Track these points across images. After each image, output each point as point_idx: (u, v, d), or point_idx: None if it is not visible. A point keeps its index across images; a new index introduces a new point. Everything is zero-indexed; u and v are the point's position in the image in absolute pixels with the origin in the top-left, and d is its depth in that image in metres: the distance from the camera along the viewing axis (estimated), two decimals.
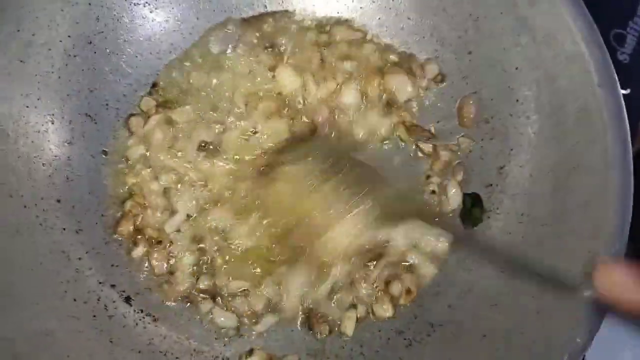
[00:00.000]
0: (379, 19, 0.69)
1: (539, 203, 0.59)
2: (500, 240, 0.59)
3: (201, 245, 0.59)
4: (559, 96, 0.59)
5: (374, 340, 0.58)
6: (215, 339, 0.57)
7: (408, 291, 0.59)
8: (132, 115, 0.62)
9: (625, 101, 0.77)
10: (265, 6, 0.67)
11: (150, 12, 0.64)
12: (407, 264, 0.60)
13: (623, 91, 0.77)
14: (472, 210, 0.63)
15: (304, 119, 0.64)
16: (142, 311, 0.56)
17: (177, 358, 0.54)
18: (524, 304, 0.54)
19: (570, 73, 0.58)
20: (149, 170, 0.60)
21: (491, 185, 0.63)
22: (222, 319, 0.57)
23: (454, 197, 0.63)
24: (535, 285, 0.50)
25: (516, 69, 0.62)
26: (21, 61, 0.57)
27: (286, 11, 0.67)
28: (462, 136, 0.65)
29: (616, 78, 0.56)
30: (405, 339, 0.58)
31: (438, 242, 0.60)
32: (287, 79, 0.64)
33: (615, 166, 0.54)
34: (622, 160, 0.54)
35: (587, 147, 0.56)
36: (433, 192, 0.63)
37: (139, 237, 0.58)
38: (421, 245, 0.60)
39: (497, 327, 0.54)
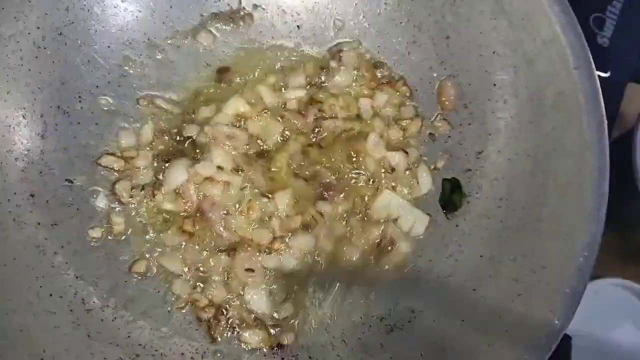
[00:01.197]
0: (356, 4, 0.68)
1: (518, 187, 0.59)
2: (479, 225, 0.59)
3: None
4: (535, 80, 0.59)
5: (356, 327, 0.58)
6: (196, 330, 0.56)
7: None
8: None
9: (605, 84, 0.77)
10: None
11: (122, 1, 0.62)
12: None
13: (603, 74, 0.78)
14: (451, 196, 0.63)
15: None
16: (120, 304, 0.56)
17: (156, 351, 0.54)
18: (504, 287, 0.54)
19: (546, 56, 0.58)
20: None
21: (470, 170, 0.63)
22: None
23: (424, 182, 0.63)
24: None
25: (493, 52, 0.62)
26: None
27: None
28: (441, 118, 0.65)
29: (592, 61, 0.56)
30: (386, 325, 0.58)
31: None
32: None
33: (592, 148, 0.54)
34: (598, 142, 0.54)
35: (564, 130, 0.56)
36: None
37: None
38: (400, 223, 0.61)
39: (476, 311, 0.54)
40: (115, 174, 0.60)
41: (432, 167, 0.64)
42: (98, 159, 0.60)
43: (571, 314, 0.49)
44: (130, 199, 0.59)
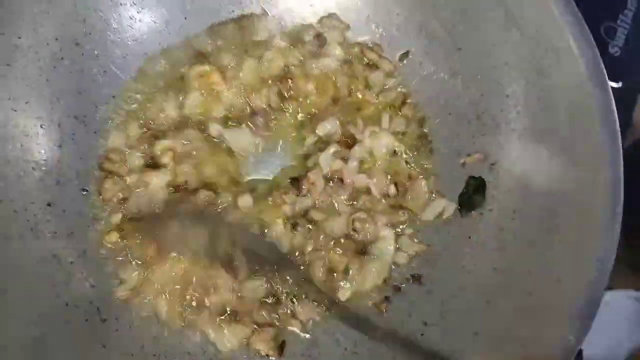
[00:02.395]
0: (368, 16, 0.68)
1: (531, 199, 0.59)
2: (493, 237, 0.59)
3: None
4: (548, 91, 0.59)
5: (368, 339, 0.58)
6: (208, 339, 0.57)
7: None
8: None
9: (617, 94, 0.76)
10: (252, 2, 0.67)
11: (137, 12, 0.63)
12: None
13: (615, 84, 0.78)
14: (473, 196, 0.62)
15: None
16: (136, 315, 0.56)
17: None
18: (518, 302, 0.54)
19: (559, 68, 0.58)
20: None
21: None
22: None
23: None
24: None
25: (505, 64, 0.62)
26: (8, 65, 0.56)
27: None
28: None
29: (605, 72, 0.56)
30: (399, 337, 0.57)
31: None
32: None
33: (605, 160, 0.54)
34: (611, 154, 0.54)
35: (577, 141, 0.56)
36: None
37: None
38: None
39: (489, 326, 0.54)
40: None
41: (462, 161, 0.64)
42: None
43: (586, 329, 0.49)
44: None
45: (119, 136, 0.61)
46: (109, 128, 0.61)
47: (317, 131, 0.64)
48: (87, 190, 0.59)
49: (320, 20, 0.68)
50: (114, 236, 0.58)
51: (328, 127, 0.64)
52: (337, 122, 0.64)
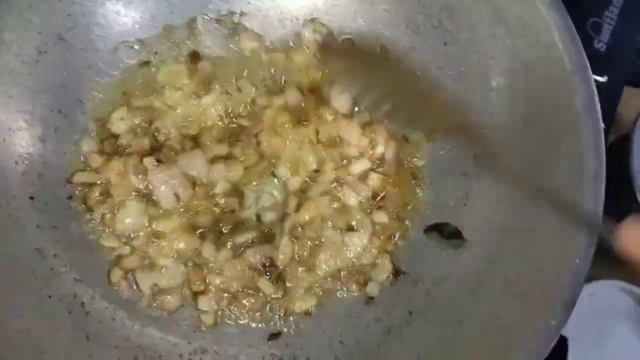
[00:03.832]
0: (355, 11, 0.69)
1: (514, 191, 0.59)
2: (477, 228, 0.60)
3: None
4: (533, 85, 0.60)
5: (354, 328, 0.58)
6: (194, 331, 0.57)
7: None
8: None
9: (602, 89, 0.77)
10: None
11: (123, 7, 0.63)
12: None
13: (600, 79, 0.78)
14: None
15: None
16: (119, 306, 0.56)
17: (155, 352, 0.54)
18: (502, 289, 0.55)
19: (543, 62, 0.58)
20: None
21: (467, 173, 0.63)
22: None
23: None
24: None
25: (491, 58, 0.63)
26: None
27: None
28: None
29: (589, 67, 0.57)
30: (384, 326, 0.58)
31: None
32: None
33: (588, 153, 0.54)
34: (594, 147, 0.54)
35: (560, 134, 0.57)
36: None
37: None
38: None
39: (473, 312, 0.54)
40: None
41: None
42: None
43: (567, 316, 0.49)
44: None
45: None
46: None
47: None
48: (70, 184, 0.59)
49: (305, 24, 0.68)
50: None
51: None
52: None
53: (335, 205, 0.61)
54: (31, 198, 0.57)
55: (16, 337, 0.50)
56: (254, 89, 0.65)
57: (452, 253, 0.60)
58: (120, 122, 0.61)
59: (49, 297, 0.53)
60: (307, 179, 0.62)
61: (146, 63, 0.64)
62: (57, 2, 0.59)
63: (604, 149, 0.54)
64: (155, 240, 0.58)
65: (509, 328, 0.50)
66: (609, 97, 0.77)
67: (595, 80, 0.76)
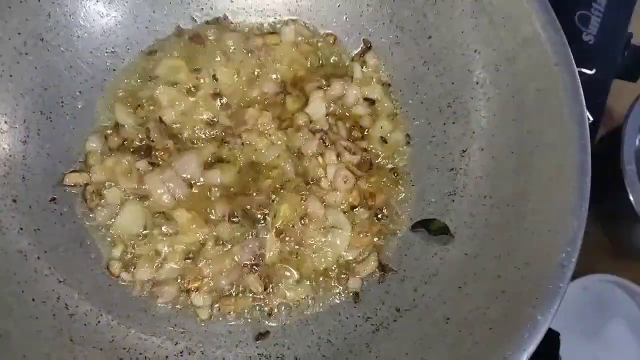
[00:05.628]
0: (339, 6, 0.68)
1: (502, 184, 0.59)
2: (464, 223, 0.59)
3: None
4: (517, 77, 0.59)
5: (342, 327, 0.58)
6: (181, 332, 0.56)
7: None
8: None
9: (590, 81, 0.76)
10: None
11: (104, 6, 0.63)
12: None
13: (588, 71, 0.78)
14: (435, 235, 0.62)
15: None
16: (103, 308, 0.55)
17: (140, 354, 0.54)
18: (489, 284, 0.54)
19: (527, 54, 0.58)
20: None
21: (454, 169, 0.63)
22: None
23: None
24: None
25: (475, 51, 0.62)
26: None
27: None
28: None
29: (572, 57, 0.57)
30: (372, 324, 0.57)
31: None
32: None
33: (573, 144, 0.54)
34: (579, 137, 0.54)
35: (545, 126, 0.56)
36: None
37: None
38: None
39: (461, 309, 0.54)
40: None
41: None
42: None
43: (554, 310, 0.49)
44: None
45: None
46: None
47: None
48: (53, 186, 0.59)
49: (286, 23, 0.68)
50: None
51: None
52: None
53: (316, 205, 0.61)
54: (14, 201, 0.56)
55: None
56: (236, 77, 0.65)
57: (440, 249, 0.59)
58: (109, 122, 0.62)
59: (32, 299, 0.53)
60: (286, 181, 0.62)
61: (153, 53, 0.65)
62: (36, 2, 0.59)
63: (589, 140, 0.54)
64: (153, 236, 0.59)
65: (496, 323, 0.50)
66: (598, 89, 0.77)
67: (584, 73, 0.76)
